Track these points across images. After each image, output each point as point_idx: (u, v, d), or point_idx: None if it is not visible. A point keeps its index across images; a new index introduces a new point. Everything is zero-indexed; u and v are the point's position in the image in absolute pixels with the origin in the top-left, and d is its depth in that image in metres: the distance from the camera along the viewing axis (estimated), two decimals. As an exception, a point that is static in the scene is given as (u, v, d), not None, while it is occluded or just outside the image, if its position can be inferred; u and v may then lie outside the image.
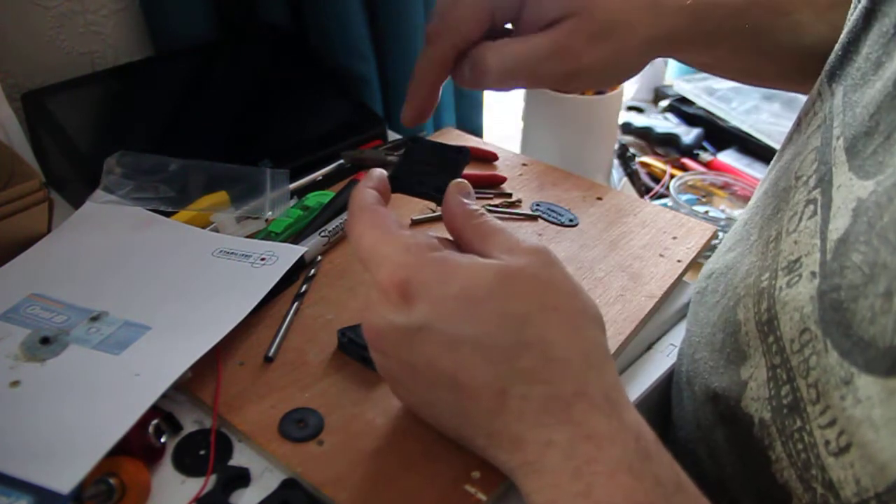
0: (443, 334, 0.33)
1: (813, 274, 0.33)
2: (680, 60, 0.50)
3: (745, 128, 1.00)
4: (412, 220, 0.61)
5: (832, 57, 0.41)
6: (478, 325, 0.32)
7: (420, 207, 0.63)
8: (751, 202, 0.47)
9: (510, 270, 0.33)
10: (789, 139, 0.45)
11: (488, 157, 0.71)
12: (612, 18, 0.41)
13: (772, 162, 0.47)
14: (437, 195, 0.41)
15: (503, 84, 0.42)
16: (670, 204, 0.84)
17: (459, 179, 0.40)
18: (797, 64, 0.46)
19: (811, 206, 0.36)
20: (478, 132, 0.99)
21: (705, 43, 0.46)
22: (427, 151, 0.42)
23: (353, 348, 0.47)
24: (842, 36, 0.41)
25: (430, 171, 0.42)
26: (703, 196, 0.89)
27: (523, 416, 0.32)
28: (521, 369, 0.32)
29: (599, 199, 0.66)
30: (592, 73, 0.42)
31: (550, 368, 0.32)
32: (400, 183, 0.42)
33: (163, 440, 0.41)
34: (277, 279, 0.50)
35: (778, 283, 0.36)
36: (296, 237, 0.58)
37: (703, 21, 0.44)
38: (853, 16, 0.40)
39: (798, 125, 0.44)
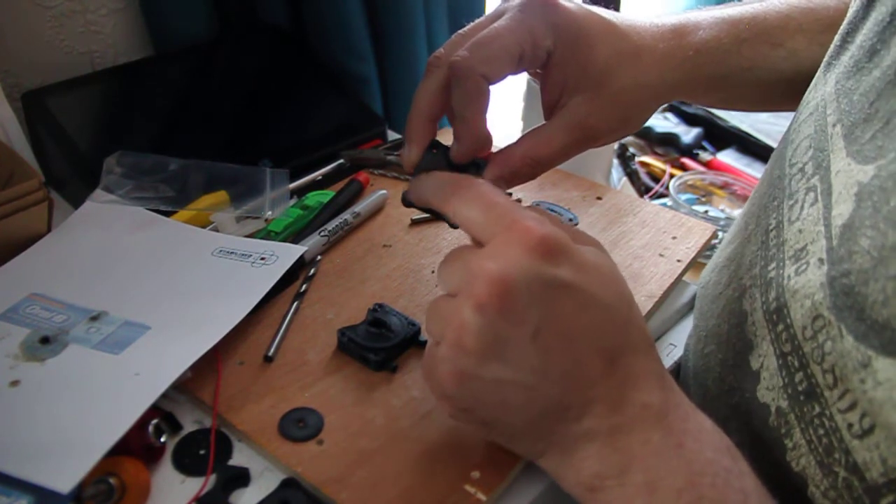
0: (583, 295, 0.34)
1: (821, 261, 0.33)
2: (684, 101, 0.52)
3: (744, 127, 1.00)
4: (412, 220, 0.61)
5: (831, 48, 0.42)
6: (609, 295, 0.35)
7: (420, 207, 0.63)
8: (749, 197, 0.48)
9: (611, 260, 0.38)
10: (785, 131, 0.45)
11: (488, 158, 0.71)
12: (625, 88, 0.44)
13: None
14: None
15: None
16: (670, 203, 0.84)
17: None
18: (800, 88, 0.47)
19: (811, 194, 0.36)
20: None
21: (706, 86, 0.48)
22: (443, 163, 0.42)
23: (352, 348, 0.47)
24: (841, 27, 0.41)
25: None
26: (703, 195, 0.89)
27: (626, 381, 0.35)
28: (631, 341, 0.35)
29: (599, 198, 0.66)
30: (609, 136, 0.45)
31: (648, 344, 0.36)
32: None
33: (163, 440, 0.41)
34: (277, 279, 0.50)
35: (786, 272, 0.36)
36: (295, 237, 0.58)
37: (702, 66, 0.46)
38: (853, 7, 0.41)
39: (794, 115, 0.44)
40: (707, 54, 0.46)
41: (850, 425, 0.31)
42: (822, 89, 0.40)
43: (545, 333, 0.33)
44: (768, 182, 0.43)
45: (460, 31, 0.42)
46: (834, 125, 0.36)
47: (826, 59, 0.42)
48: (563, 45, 0.42)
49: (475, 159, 0.42)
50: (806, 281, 0.34)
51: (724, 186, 0.89)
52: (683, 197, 0.86)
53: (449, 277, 0.35)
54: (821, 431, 0.33)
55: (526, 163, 0.43)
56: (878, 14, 0.37)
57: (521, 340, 0.33)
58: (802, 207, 0.37)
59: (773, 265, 0.38)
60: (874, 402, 0.29)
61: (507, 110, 1.06)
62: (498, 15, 0.41)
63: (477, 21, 0.42)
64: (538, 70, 0.44)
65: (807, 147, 0.39)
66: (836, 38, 0.41)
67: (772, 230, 0.40)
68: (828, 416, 0.32)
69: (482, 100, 0.40)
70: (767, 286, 0.38)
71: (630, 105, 0.45)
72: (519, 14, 0.40)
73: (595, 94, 0.43)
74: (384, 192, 0.63)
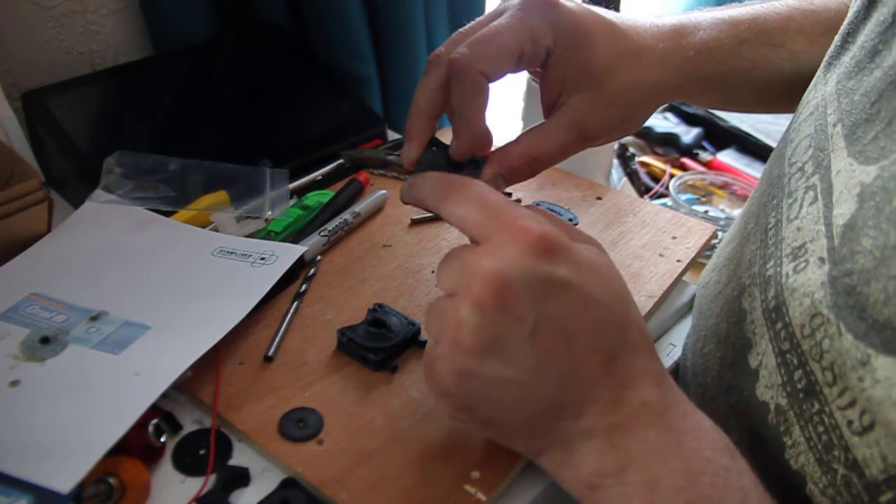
0: (582, 294, 0.34)
1: (821, 260, 0.33)
2: (683, 101, 0.52)
3: (744, 127, 1.00)
4: (412, 220, 0.61)
5: (831, 48, 0.42)
6: (607, 294, 0.35)
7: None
8: (749, 197, 0.48)
9: (609, 260, 0.38)
10: (785, 131, 0.45)
11: (487, 156, 0.71)
12: (625, 88, 0.44)
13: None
14: None
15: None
16: (670, 203, 0.84)
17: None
18: (800, 89, 0.47)
19: (811, 193, 0.36)
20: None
21: (706, 86, 0.48)
22: (442, 161, 0.42)
23: (352, 348, 0.47)
24: (842, 27, 0.41)
25: None
26: (703, 196, 0.89)
27: (625, 380, 0.35)
28: (629, 340, 0.35)
29: (599, 198, 0.66)
30: (608, 135, 0.45)
31: (647, 343, 0.36)
32: None
33: (162, 440, 0.41)
34: (277, 279, 0.50)
35: (784, 270, 0.36)
36: (295, 236, 0.58)
37: (702, 66, 0.46)
38: (854, 8, 0.41)
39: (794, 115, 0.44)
40: (707, 55, 0.46)
41: (849, 422, 0.31)
42: (823, 89, 0.40)
43: (543, 331, 0.33)
44: (768, 181, 0.43)
45: (461, 30, 0.42)
46: (834, 125, 0.37)
47: (826, 58, 0.42)
48: (563, 44, 0.42)
49: (474, 157, 0.42)
50: (805, 279, 0.34)
51: (723, 186, 0.89)
52: (683, 197, 0.86)
53: (447, 277, 0.35)
54: (820, 429, 0.33)
55: (525, 161, 0.43)
56: (880, 15, 0.37)
57: (519, 338, 0.33)
58: (801, 206, 0.37)
59: (771, 263, 0.38)
60: (873, 400, 0.29)
61: (507, 110, 1.06)
62: (498, 13, 0.41)
63: (477, 19, 0.42)
64: (538, 69, 0.44)
65: (806, 146, 0.39)
66: (837, 38, 0.41)
67: (770, 229, 0.40)
68: (827, 413, 0.32)
69: (481, 97, 0.40)
70: (766, 284, 0.38)
71: (629, 105, 0.45)
72: (519, 13, 0.41)
73: (594, 93, 0.43)
74: (384, 192, 0.63)
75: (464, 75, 0.39)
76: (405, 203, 0.42)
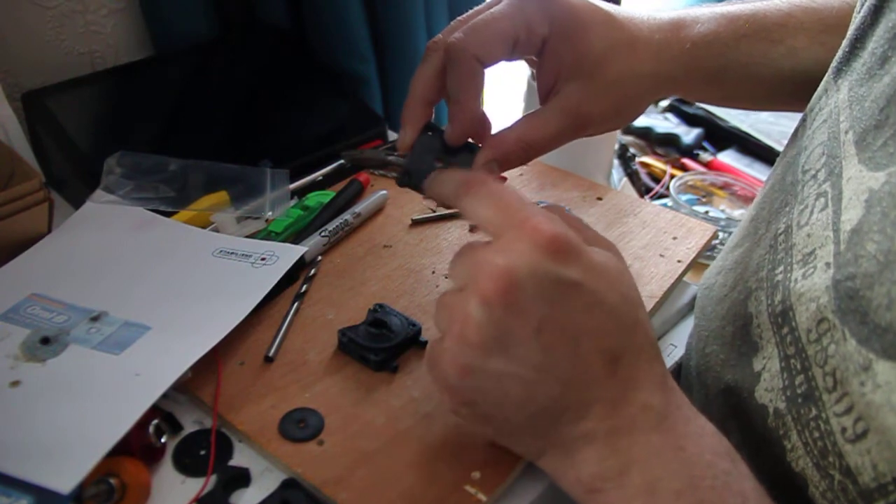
0: (590, 295, 0.34)
1: (827, 265, 0.34)
2: (681, 97, 0.52)
3: (744, 128, 1.00)
4: (412, 220, 0.61)
5: (839, 54, 0.42)
6: (615, 296, 0.35)
7: (421, 207, 0.63)
8: (755, 200, 0.48)
9: (622, 263, 0.37)
10: (794, 136, 0.45)
11: (483, 143, 0.70)
12: (619, 77, 0.44)
13: (777, 160, 0.47)
14: None
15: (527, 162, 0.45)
16: (670, 204, 0.84)
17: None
18: (799, 87, 0.47)
19: (822, 199, 0.36)
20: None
21: (704, 80, 0.48)
22: (437, 145, 0.42)
23: (353, 348, 0.47)
24: (849, 32, 0.41)
25: (441, 168, 0.42)
26: (703, 196, 0.89)
27: (627, 382, 0.35)
28: (635, 342, 0.35)
29: (599, 199, 0.66)
30: (602, 125, 0.45)
31: (653, 347, 0.36)
32: (412, 180, 0.42)
33: (163, 440, 0.41)
34: (277, 279, 0.50)
35: (793, 276, 0.37)
36: (296, 237, 0.58)
37: (700, 59, 0.46)
38: (860, 13, 0.41)
39: (803, 121, 0.44)
40: (704, 48, 0.46)
41: (843, 429, 0.31)
42: (836, 96, 0.40)
43: (548, 330, 0.33)
44: (780, 188, 0.43)
45: (459, 17, 0.43)
46: (846, 132, 0.37)
47: (835, 64, 0.42)
48: (559, 33, 0.42)
49: (469, 143, 0.43)
50: (812, 284, 0.34)
51: (724, 187, 0.89)
52: (684, 197, 0.85)
53: (458, 271, 0.36)
54: (816, 434, 0.33)
55: (519, 147, 0.43)
56: (889, 21, 0.37)
57: (524, 335, 0.33)
58: (812, 212, 0.37)
59: (781, 269, 0.38)
60: (871, 406, 0.29)
61: (507, 112, 1.06)
62: (497, 1, 0.42)
63: (476, 8, 0.43)
64: (534, 57, 0.44)
65: (820, 154, 0.39)
66: (845, 43, 0.41)
67: (780, 234, 0.40)
68: (823, 419, 0.32)
69: (476, 82, 0.40)
70: (774, 289, 0.38)
71: (624, 95, 0.45)
72: (517, 1, 0.41)
73: (589, 81, 0.43)
74: (385, 192, 0.63)
75: (459, 60, 0.39)
76: (401, 185, 0.42)
